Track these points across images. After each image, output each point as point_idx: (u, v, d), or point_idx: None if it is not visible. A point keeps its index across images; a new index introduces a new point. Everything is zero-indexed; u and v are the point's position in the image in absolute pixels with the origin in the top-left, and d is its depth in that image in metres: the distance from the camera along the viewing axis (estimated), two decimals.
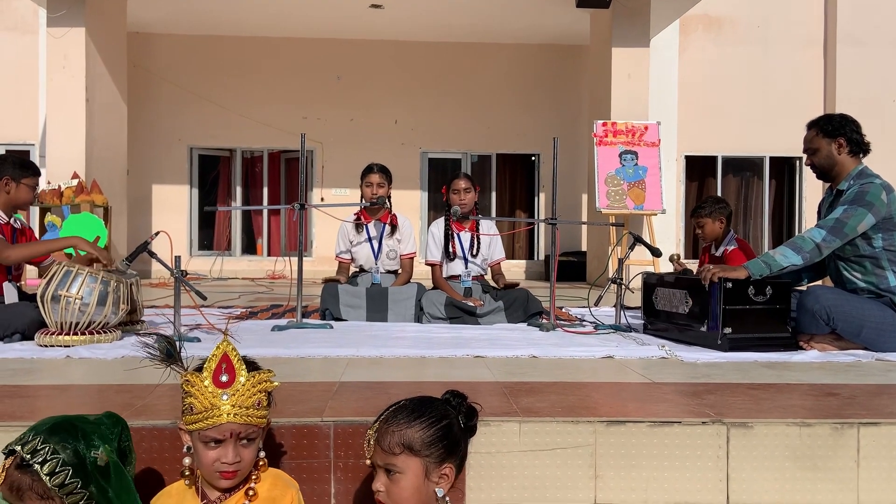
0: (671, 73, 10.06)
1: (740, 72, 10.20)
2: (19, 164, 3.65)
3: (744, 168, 10.65)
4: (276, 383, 1.51)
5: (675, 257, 4.56)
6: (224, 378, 1.42)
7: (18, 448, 1.29)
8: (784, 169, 10.66)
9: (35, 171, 3.72)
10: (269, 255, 10.91)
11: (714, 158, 10.43)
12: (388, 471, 1.39)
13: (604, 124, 7.88)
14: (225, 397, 1.41)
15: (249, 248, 11.12)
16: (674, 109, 10.03)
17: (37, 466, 1.27)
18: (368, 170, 4.63)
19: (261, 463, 1.52)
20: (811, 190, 10.32)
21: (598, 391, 2.42)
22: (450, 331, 3.94)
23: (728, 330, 3.16)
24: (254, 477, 1.51)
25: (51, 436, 1.30)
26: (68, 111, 7.74)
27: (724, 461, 1.95)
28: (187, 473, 1.48)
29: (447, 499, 1.47)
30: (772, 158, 10.48)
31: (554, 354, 3.11)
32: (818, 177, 3.44)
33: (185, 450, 1.48)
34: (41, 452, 1.28)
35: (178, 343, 1.49)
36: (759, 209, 10.68)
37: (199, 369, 1.44)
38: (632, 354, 3.12)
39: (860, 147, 3.33)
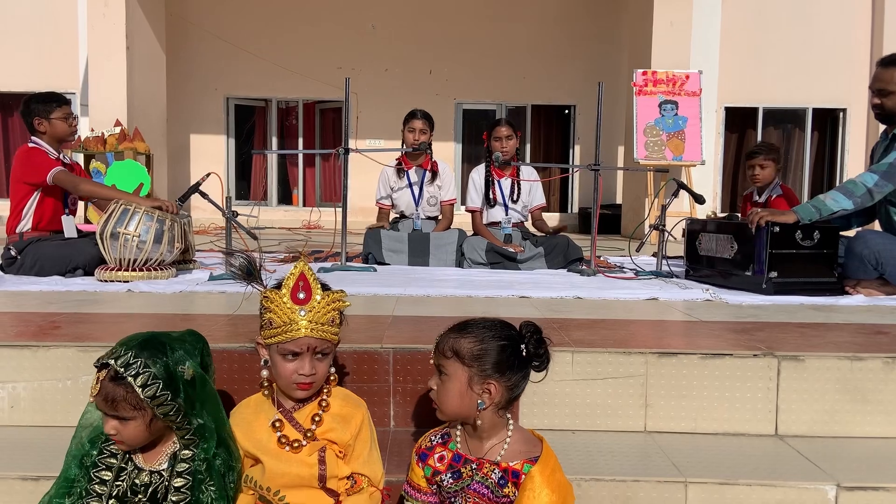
0: (714, 21, 9.79)
1: (785, 20, 9.90)
2: (43, 100, 3.58)
3: (785, 120, 10.41)
4: (347, 303, 1.57)
5: (712, 215, 4.51)
6: (301, 295, 1.48)
7: (112, 362, 1.37)
8: (827, 121, 10.40)
9: (60, 101, 3.63)
10: (304, 205, 11.03)
11: (755, 110, 10.20)
12: (440, 373, 1.47)
13: (644, 73, 7.74)
14: (302, 313, 1.48)
15: (285, 198, 11.25)
16: (715, 59, 9.80)
17: (130, 379, 1.35)
18: (412, 115, 4.64)
19: (332, 378, 1.60)
20: (854, 143, 10.08)
21: (645, 327, 2.46)
22: (491, 275, 4.00)
23: (774, 274, 3.16)
24: (325, 391, 1.59)
25: (141, 351, 1.38)
26: (110, 59, 7.83)
27: (773, 393, 1.99)
28: (265, 385, 1.56)
29: (509, 417, 1.54)
30: (815, 110, 10.23)
31: (598, 296, 3.16)
32: (878, 117, 3.35)
33: (262, 363, 1.56)
34: (133, 366, 1.36)
35: (258, 262, 1.56)
36: (801, 162, 10.46)
37: (278, 287, 1.51)
38: (676, 297, 3.15)
39: None
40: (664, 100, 7.67)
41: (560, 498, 1.40)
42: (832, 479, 1.69)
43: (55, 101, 3.61)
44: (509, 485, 1.43)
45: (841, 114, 10.13)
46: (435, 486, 1.52)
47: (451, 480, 1.48)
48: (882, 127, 3.43)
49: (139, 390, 1.35)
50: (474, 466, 1.48)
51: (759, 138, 10.15)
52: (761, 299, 3.06)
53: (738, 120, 10.31)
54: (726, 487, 1.68)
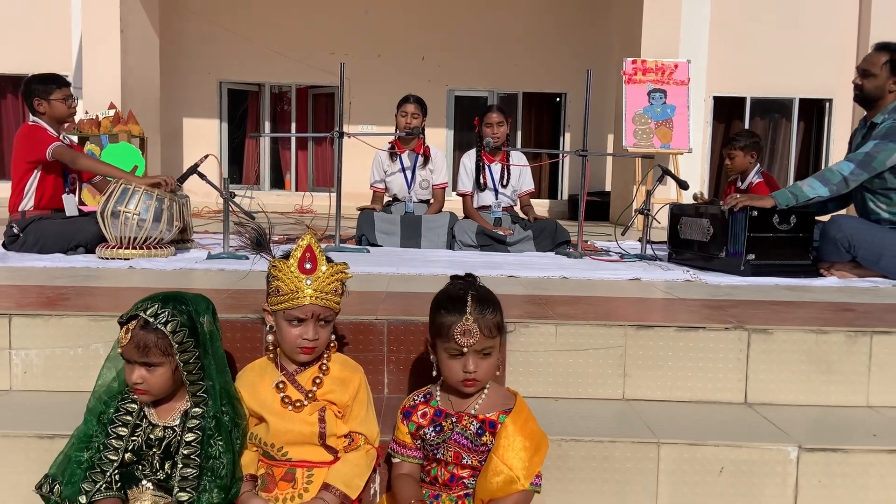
0: (703, 11, 9.89)
1: (773, 10, 10.01)
2: (42, 81, 3.68)
3: (772, 110, 10.55)
4: (350, 274, 1.69)
5: (699, 195, 4.66)
6: (308, 266, 1.60)
7: (141, 313, 1.49)
8: (813, 111, 10.55)
9: (60, 83, 3.72)
10: (296, 190, 11.09)
11: (743, 99, 10.33)
12: (482, 353, 1.57)
13: (633, 62, 7.84)
14: (308, 282, 1.59)
15: (277, 182, 11.31)
16: (704, 49, 9.91)
17: (160, 326, 1.48)
18: (405, 100, 4.74)
19: (332, 344, 1.71)
20: (840, 133, 10.23)
21: (627, 304, 2.59)
22: (482, 256, 4.11)
23: (751, 256, 3.29)
24: (325, 356, 1.70)
25: (166, 303, 1.51)
26: (104, 42, 7.86)
27: (744, 364, 2.12)
28: (270, 349, 1.68)
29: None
30: (801, 100, 10.37)
31: (583, 276, 3.28)
32: (856, 98, 3.46)
33: (267, 328, 1.68)
34: (162, 315, 1.49)
35: (267, 234, 1.67)
36: (787, 152, 10.62)
37: (286, 257, 1.62)
38: (657, 277, 3.28)
39: None
40: (653, 88, 7.78)
41: (533, 444, 1.54)
42: (794, 441, 1.82)
43: (54, 82, 3.70)
44: (487, 434, 1.57)
45: (827, 104, 10.29)
46: (419, 441, 1.64)
47: (433, 433, 1.61)
48: (862, 114, 3.56)
49: (170, 336, 1.47)
50: (454, 420, 1.61)
51: (746, 128, 10.29)
52: (739, 280, 3.19)
53: (725, 109, 10.45)
54: (696, 448, 1.81)
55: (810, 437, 1.86)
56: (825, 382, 2.12)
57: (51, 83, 3.68)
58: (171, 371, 1.52)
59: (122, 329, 1.51)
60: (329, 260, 1.67)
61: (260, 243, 1.65)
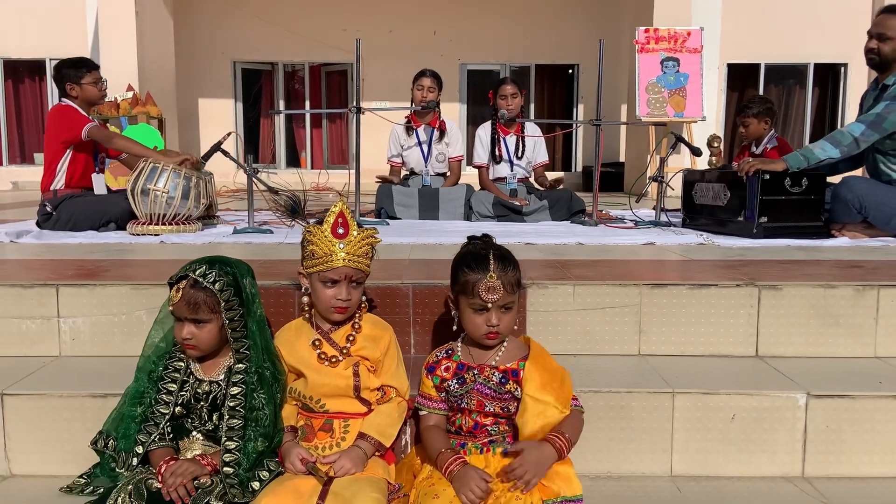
0: None
1: None
2: (73, 65, 3.78)
3: (787, 76, 10.48)
4: (379, 238, 1.79)
5: (716, 141, 4.65)
6: (340, 230, 1.70)
7: (190, 273, 1.61)
8: (828, 76, 10.46)
9: (90, 66, 3.82)
10: (312, 167, 11.20)
11: (757, 66, 10.27)
12: (504, 307, 1.68)
13: (646, 31, 7.83)
14: (341, 245, 1.70)
15: (293, 161, 11.42)
16: (717, 15, 9.83)
17: (209, 285, 1.60)
18: (421, 74, 4.81)
19: (363, 305, 1.82)
20: (854, 97, 10.13)
21: (641, 266, 2.68)
22: (499, 226, 4.20)
23: (764, 219, 3.36)
24: (357, 315, 1.81)
25: (212, 265, 1.63)
26: (119, 24, 7.96)
27: (754, 319, 2.21)
28: (306, 309, 1.79)
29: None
30: (816, 65, 10.29)
31: (599, 242, 3.37)
32: (871, 62, 3.47)
33: (303, 290, 1.79)
34: (210, 275, 1.61)
35: (302, 201, 1.77)
36: (801, 117, 10.56)
37: (320, 223, 1.73)
38: (671, 241, 3.36)
39: None
40: (666, 57, 7.76)
41: (558, 377, 1.69)
42: (803, 389, 1.92)
43: (85, 66, 3.81)
44: (510, 382, 1.68)
45: (842, 69, 10.20)
46: (443, 394, 1.75)
47: (456, 385, 1.72)
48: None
49: (218, 293, 1.59)
50: (476, 372, 1.72)
51: (760, 94, 10.22)
52: (752, 242, 3.26)
53: (739, 77, 10.39)
54: (708, 396, 1.91)
55: (818, 385, 1.95)
56: (833, 335, 2.21)
57: (82, 67, 3.79)
58: (218, 328, 1.64)
59: (172, 289, 1.63)
60: (360, 225, 1.77)
61: (295, 210, 1.75)
